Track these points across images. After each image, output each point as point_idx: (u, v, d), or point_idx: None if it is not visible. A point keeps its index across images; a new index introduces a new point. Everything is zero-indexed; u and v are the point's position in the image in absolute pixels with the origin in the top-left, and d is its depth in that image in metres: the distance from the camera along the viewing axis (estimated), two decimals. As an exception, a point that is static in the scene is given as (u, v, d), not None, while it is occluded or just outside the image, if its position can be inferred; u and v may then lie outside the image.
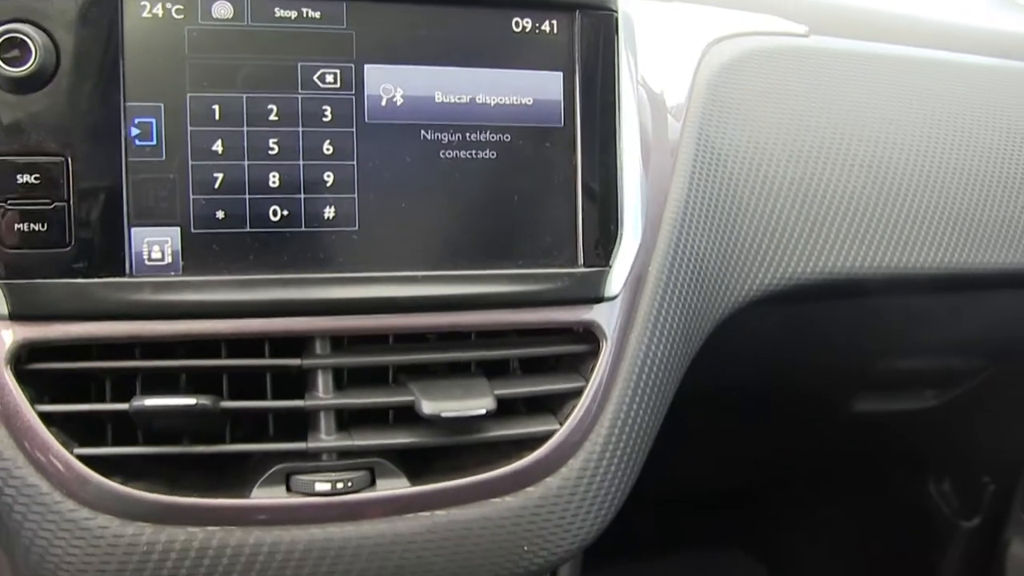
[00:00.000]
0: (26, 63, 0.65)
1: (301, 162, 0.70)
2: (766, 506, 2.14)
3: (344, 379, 0.73)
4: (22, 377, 0.67)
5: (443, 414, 0.69)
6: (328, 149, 0.71)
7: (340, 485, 0.70)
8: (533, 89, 0.74)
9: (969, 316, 1.20)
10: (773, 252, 0.89)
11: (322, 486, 0.70)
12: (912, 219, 0.96)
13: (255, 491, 0.69)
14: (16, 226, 0.66)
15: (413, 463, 0.73)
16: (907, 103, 1.00)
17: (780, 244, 0.90)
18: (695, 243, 0.82)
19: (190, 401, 0.66)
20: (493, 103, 0.74)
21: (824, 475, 1.96)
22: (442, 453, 0.75)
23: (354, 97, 0.71)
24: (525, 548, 0.73)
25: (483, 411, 0.70)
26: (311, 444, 0.70)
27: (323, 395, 0.70)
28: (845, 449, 1.66)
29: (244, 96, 0.69)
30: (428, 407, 0.69)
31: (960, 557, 1.83)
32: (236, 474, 0.71)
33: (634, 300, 0.77)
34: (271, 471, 0.70)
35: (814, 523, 2.08)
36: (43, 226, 0.66)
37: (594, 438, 0.75)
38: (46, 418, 0.67)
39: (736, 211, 0.87)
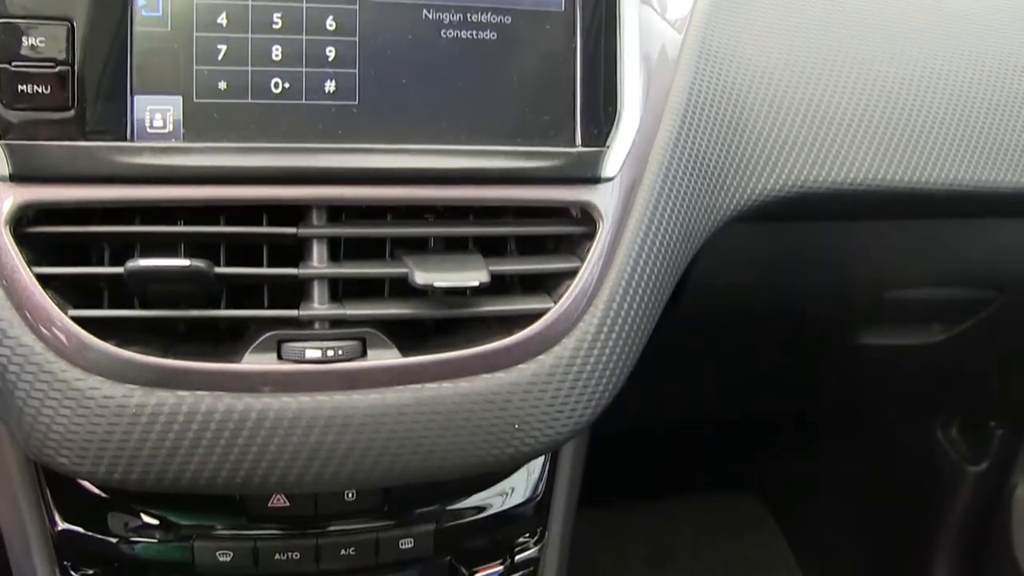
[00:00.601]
0: None
1: (304, 37, 0.71)
2: (771, 450, 2.14)
3: (340, 253, 0.74)
4: (21, 240, 0.68)
5: (436, 284, 0.69)
6: (331, 24, 0.71)
7: (331, 353, 0.71)
8: (534, -29, 0.74)
9: (978, 243, 1.19)
10: (776, 158, 0.89)
11: (312, 353, 0.70)
12: (922, 134, 0.95)
13: (246, 357, 0.70)
14: (20, 88, 0.67)
15: (405, 340, 0.73)
16: (920, 15, 0.99)
17: (784, 150, 0.90)
18: (696, 138, 0.82)
19: (184, 262, 0.66)
20: (494, -16, 0.74)
21: (830, 419, 1.96)
22: (434, 331, 0.76)
23: None
24: (516, 426, 0.74)
25: (476, 283, 0.70)
26: (303, 312, 0.70)
27: (317, 264, 0.71)
28: (852, 389, 1.65)
29: None
30: (421, 277, 0.69)
31: (967, 502, 1.83)
32: (230, 346, 0.72)
33: (633, 186, 0.77)
34: (263, 338, 0.70)
35: (820, 468, 2.08)
36: (47, 89, 0.67)
37: (588, 319, 0.75)
38: (43, 280, 0.68)
39: (739, 113, 0.87)
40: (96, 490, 0.85)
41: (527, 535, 0.95)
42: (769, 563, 2.10)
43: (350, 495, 0.84)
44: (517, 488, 0.93)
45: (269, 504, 0.84)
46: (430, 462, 0.73)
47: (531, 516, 0.94)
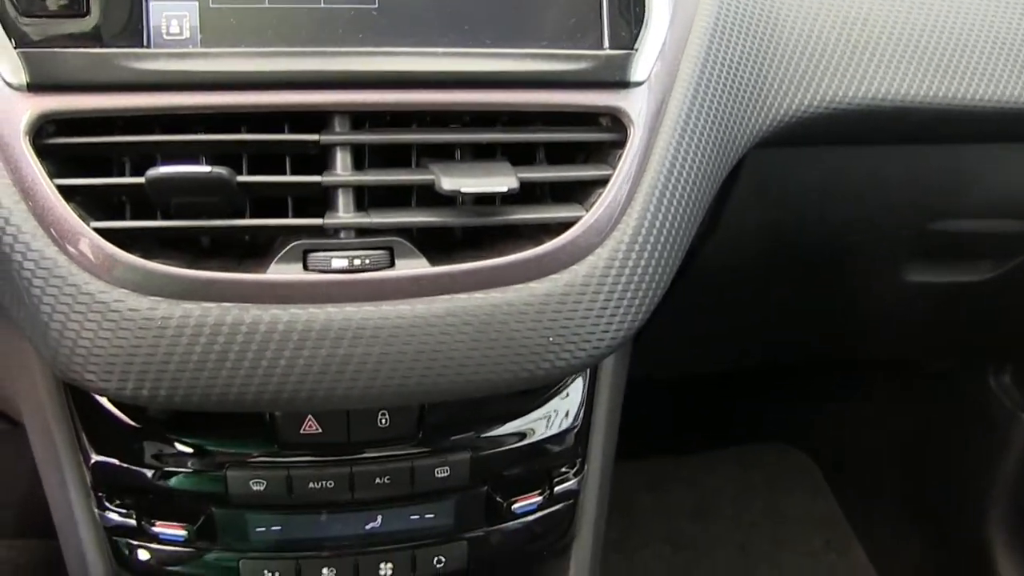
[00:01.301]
0: None
1: None
2: (816, 401, 2.10)
3: (365, 163, 0.71)
4: (41, 152, 0.66)
5: (464, 189, 0.67)
6: None
7: (358, 262, 0.69)
8: None
9: (1028, 171, 1.15)
10: (812, 72, 0.86)
11: (339, 262, 0.68)
12: (964, 49, 0.91)
13: (271, 267, 0.68)
14: None
15: (433, 254, 0.71)
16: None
17: (820, 65, 0.86)
18: (728, 48, 0.79)
19: (205, 169, 0.65)
20: None
21: (878, 367, 1.92)
22: (462, 246, 0.74)
23: None
24: (551, 339, 0.71)
25: (505, 188, 0.67)
26: (328, 220, 0.68)
27: (341, 172, 0.69)
28: (899, 333, 1.61)
29: None
30: (448, 183, 0.67)
31: (1022, 451, 1.78)
32: (255, 261, 0.70)
33: (664, 93, 0.74)
34: (288, 248, 0.68)
35: (867, 418, 2.04)
36: None
37: (622, 229, 0.72)
38: (65, 193, 0.66)
39: (773, 24, 0.84)
40: (128, 419, 0.84)
41: (566, 466, 0.93)
42: (815, 518, 2.06)
43: (383, 420, 0.82)
44: (555, 417, 0.91)
45: (301, 431, 0.82)
46: (462, 377, 0.71)
47: (570, 446, 0.92)
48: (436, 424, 0.85)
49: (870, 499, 2.04)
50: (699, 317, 1.41)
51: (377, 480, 0.85)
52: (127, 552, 0.88)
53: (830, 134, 0.92)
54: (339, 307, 0.68)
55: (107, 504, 0.86)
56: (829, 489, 2.09)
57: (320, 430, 0.82)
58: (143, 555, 0.88)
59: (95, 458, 0.86)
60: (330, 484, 0.84)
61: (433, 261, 0.71)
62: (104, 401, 0.84)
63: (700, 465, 2.10)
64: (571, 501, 0.94)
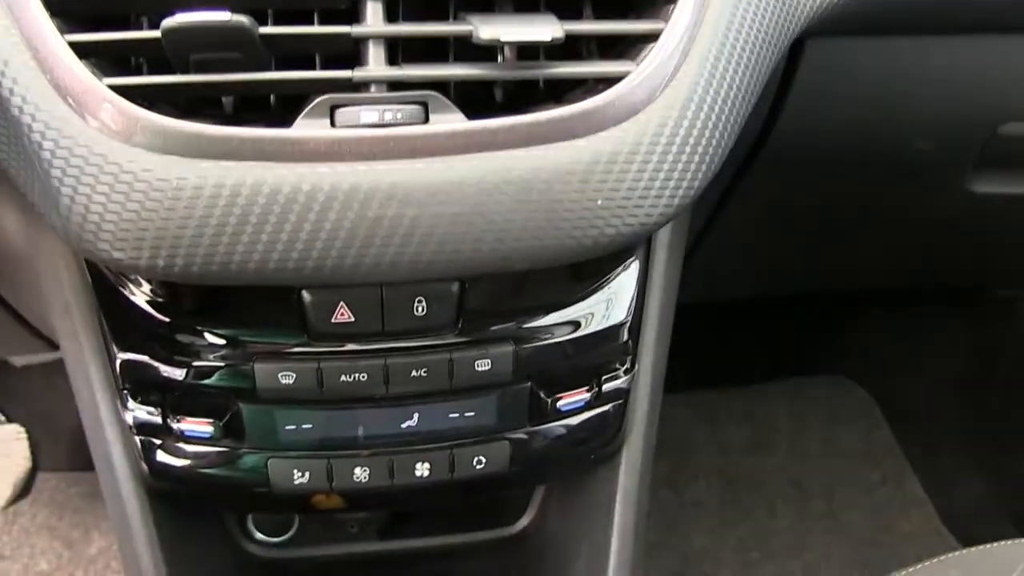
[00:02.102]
0: None
1: None
2: (873, 331, 2.02)
3: (399, 16, 0.66)
4: (52, 7, 0.62)
5: (503, 38, 0.61)
6: None
7: (388, 116, 0.63)
8: None
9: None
10: None
11: (369, 116, 0.63)
12: None
13: (296, 123, 0.63)
14: None
15: (471, 113, 0.65)
16: None
17: None
18: None
19: (224, 16, 0.59)
20: None
21: (938, 293, 1.83)
22: (502, 110, 0.67)
23: None
24: (599, 203, 0.65)
25: (548, 38, 0.61)
26: (358, 73, 0.62)
27: (372, 23, 0.63)
28: (963, 252, 1.52)
29: None
30: (487, 31, 0.61)
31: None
32: (280, 123, 0.64)
33: None
34: (314, 103, 0.63)
35: (926, 349, 1.96)
36: None
37: (676, 86, 0.66)
38: (77, 50, 0.62)
39: None
40: (152, 311, 0.79)
41: (616, 363, 0.87)
42: (871, 452, 2.00)
43: (419, 308, 0.77)
44: (605, 308, 0.85)
45: (333, 319, 0.76)
46: (503, 245, 0.65)
47: (620, 342, 0.86)
48: (476, 312, 0.79)
49: (928, 432, 1.97)
50: (756, 235, 1.34)
51: (413, 373, 0.79)
52: (153, 453, 0.84)
53: (892, 21, 0.85)
54: (369, 165, 0.62)
55: (132, 401, 0.81)
56: (886, 422, 2.02)
57: (352, 318, 0.76)
58: (169, 454, 0.83)
59: (120, 356, 0.81)
60: (363, 377, 0.79)
61: (471, 119, 0.64)
62: (129, 294, 0.79)
63: (754, 398, 2.04)
64: (620, 401, 0.88)
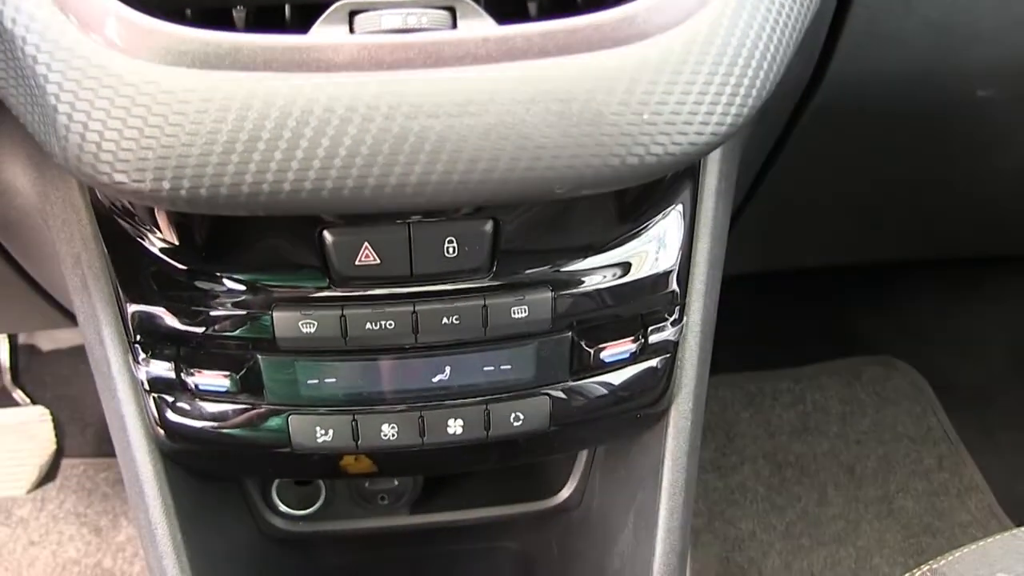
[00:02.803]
0: None
1: None
2: (924, 306, 1.94)
3: None
4: None
5: None
6: None
7: (412, 21, 0.57)
8: None
9: None
10: None
11: (391, 21, 0.57)
12: None
13: (312, 31, 0.56)
14: None
15: (502, 20, 0.59)
16: None
17: None
18: None
19: None
20: None
21: (996, 263, 1.75)
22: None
23: None
24: (645, 116, 0.59)
25: None
26: None
27: None
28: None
29: None
30: None
31: None
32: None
33: None
34: (331, 9, 0.57)
35: (981, 326, 1.87)
36: None
37: None
38: None
39: None
40: (164, 256, 0.74)
41: (663, 312, 0.80)
42: (927, 436, 1.92)
43: (451, 249, 0.71)
44: (649, 252, 0.78)
45: (357, 262, 0.70)
46: (539, 163, 0.58)
47: (667, 290, 0.80)
48: (512, 254, 0.73)
49: (985, 414, 1.89)
50: (805, 197, 1.27)
51: (444, 321, 0.73)
52: (167, 411, 0.78)
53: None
54: (392, 74, 0.56)
55: (144, 356, 0.76)
56: (940, 404, 1.94)
57: (378, 260, 0.71)
58: (184, 413, 0.78)
59: (131, 307, 0.76)
60: (390, 325, 0.73)
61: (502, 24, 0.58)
62: (139, 239, 0.74)
63: (802, 379, 1.97)
64: (668, 355, 0.82)
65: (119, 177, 0.57)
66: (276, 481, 1.05)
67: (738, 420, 1.92)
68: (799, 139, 1.04)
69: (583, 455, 1.06)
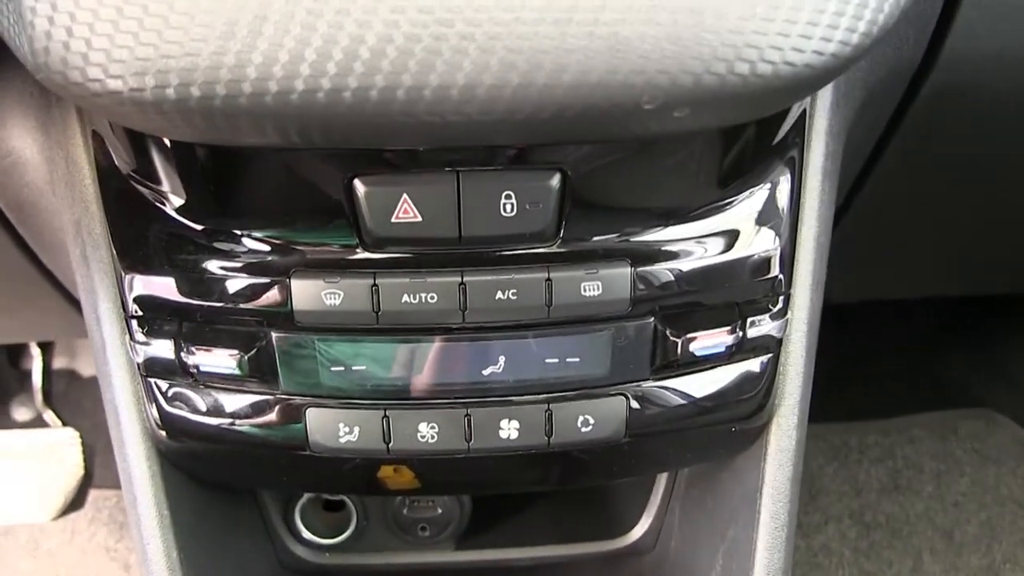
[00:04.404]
0: None
1: None
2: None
3: None
4: None
5: None
6: None
7: None
8: None
9: None
10: None
11: None
12: None
13: None
14: None
15: None
16: None
17: None
18: None
19: None
20: None
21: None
22: None
23: None
24: (758, 13, 0.45)
25: None
26: None
27: None
28: None
29: None
30: None
31: None
32: None
33: None
34: None
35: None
36: None
37: None
38: None
39: None
40: (164, 207, 0.63)
41: (764, 301, 0.66)
42: (1031, 501, 1.73)
43: (508, 206, 0.58)
44: (748, 225, 0.65)
45: (394, 218, 0.58)
46: (622, 65, 0.45)
47: (769, 273, 0.66)
48: (584, 216, 0.61)
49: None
50: (907, 211, 1.11)
51: (499, 296, 0.60)
52: (165, 400, 0.65)
53: None
54: None
55: (141, 333, 0.64)
56: (1048, 466, 1.77)
57: (419, 217, 0.59)
58: (183, 403, 0.65)
59: (129, 276, 0.65)
60: (432, 299, 0.60)
61: None
62: (138, 188, 0.63)
63: (892, 432, 1.82)
64: (770, 356, 0.67)
65: (92, 73, 0.45)
66: (300, 503, 0.91)
67: (821, 474, 1.77)
68: (906, 133, 0.90)
69: (660, 485, 0.90)
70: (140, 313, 0.65)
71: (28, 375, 1.76)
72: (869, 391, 1.86)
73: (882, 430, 1.82)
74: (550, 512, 0.95)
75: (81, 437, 1.72)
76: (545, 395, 0.65)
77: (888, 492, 1.77)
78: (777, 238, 0.67)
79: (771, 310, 0.67)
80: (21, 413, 1.76)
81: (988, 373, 1.86)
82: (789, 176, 0.67)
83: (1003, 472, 1.79)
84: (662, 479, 0.90)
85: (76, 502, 1.68)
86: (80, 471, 1.68)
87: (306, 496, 0.91)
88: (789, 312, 0.69)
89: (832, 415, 1.80)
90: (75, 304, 0.98)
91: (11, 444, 1.70)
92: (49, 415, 1.75)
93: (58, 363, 1.81)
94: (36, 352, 1.76)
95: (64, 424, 1.74)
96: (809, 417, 0.81)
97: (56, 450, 1.69)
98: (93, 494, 1.69)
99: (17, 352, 1.78)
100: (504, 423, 0.65)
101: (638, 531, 0.92)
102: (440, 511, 0.92)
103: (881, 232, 1.15)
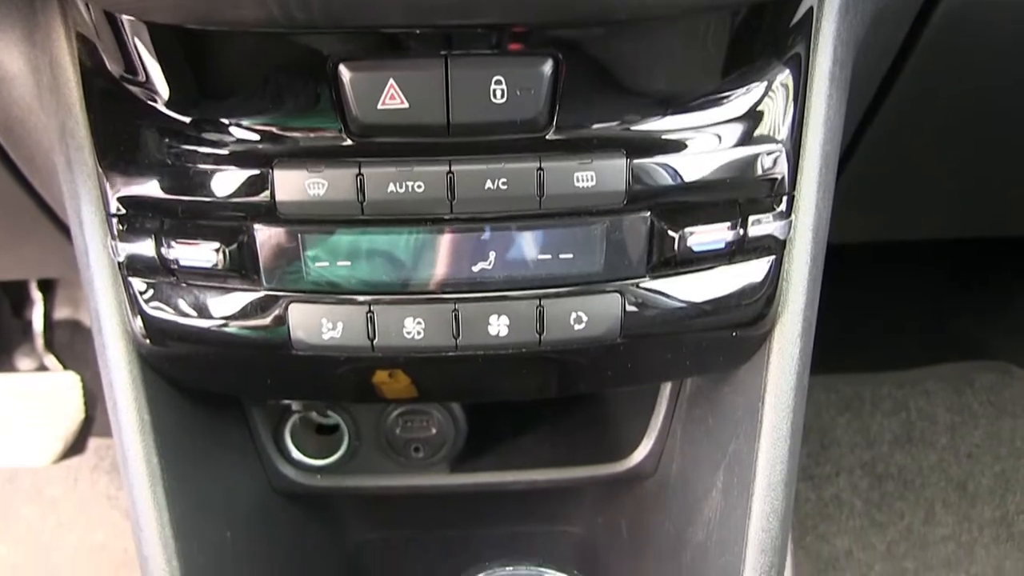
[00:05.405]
0: None
1: None
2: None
3: None
4: None
5: None
6: None
7: None
8: None
9: None
10: None
11: None
12: None
13: None
14: None
15: None
16: None
17: None
18: None
19: None
20: None
21: None
22: None
23: None
24: None
25: None
26: None
27: None
28: None
29: None
30: None
31: None
32: None
33: None
34: None
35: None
36: None
37: None
38: None
39: None
40: (142, 95, 0.60)
41: (767, 197, 0.63)
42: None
43: (498, 92, 0.55)
44: (750, 118, 0.62)
45: (380, 104, 0.57)
46: None
47: (772, 169, 0.63)
48: (577, 103, 0.58)
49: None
50: (919, 145, 1.08)
51: (488, 186, 0.58)
52: (146, 300, 0.63)
53: None
54: None
55: (121, 229, 0.61)
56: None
57: (406, 103, 0.56)
58: (165, 303, 0.63)
59: (111, 174, 0.63)
60: (419, 188, 0.58)
61: None
62: (119, 73, 0.61)
63: (905, 384, 1.78)
64: (773, 258, 0.64)
65: None
66: (290, 422, 0.89)
67: (833, 426, 1.75)
68: (918, 61, 0.86)
69: (661, 407, 0.87)
70: (122, 211, 0.63)
71: (31, 325, 1.76)
72: (884, 344, 1.83)
73: (896, 382, 1.79)
74: (549, 436, 0.93)
75: (83, 382, 1.70)
76: (537, 291, 0.62)
77: (901, 444, 1.74)
78: (781, 137, 0.64)
79: (774, 209, 0.64)
80: (25, 363, 1.75)
81: (1005, 326, 1.83)
82: (794, 76, 0.64)
83: (1018, 424, 1.77)
84: (663, 400, 0.87)
85: (77, 447, 1.67)
86: (81, 415, 1.68)
87: (297, 416, 0.89)
88: (793, 215, 0.66)
89: (844, 366, 1.77)
90: (58, 224, 0.96)
91: (12, 387, 1.70)
92: (50, 360, 1.73)
93: (62, 313, 1.79)
94: (38, 297, 1.74)
95: (65, 369, 1.73)
96: (822, 368, 0.79)
97: (57, 393, 1.68)
98: (96, 442, 1.68)
99: (20, 302, 1.77)
100: (494, 319, 0.62)
101: (639, 454, 0.89)
102: (434, 431, 0.90)
103: (892, 170, 1.12)
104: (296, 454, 0.89)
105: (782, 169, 0.64)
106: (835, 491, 1.68)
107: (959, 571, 1.59)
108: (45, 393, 1.69)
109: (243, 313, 0.63)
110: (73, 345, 1.78)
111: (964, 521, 1.65)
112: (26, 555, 1.57)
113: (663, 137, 0.61)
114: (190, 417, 0.74)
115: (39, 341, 1.74)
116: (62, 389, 1.68)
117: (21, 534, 1.59)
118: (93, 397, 1.71)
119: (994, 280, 1.78)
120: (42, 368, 1.74)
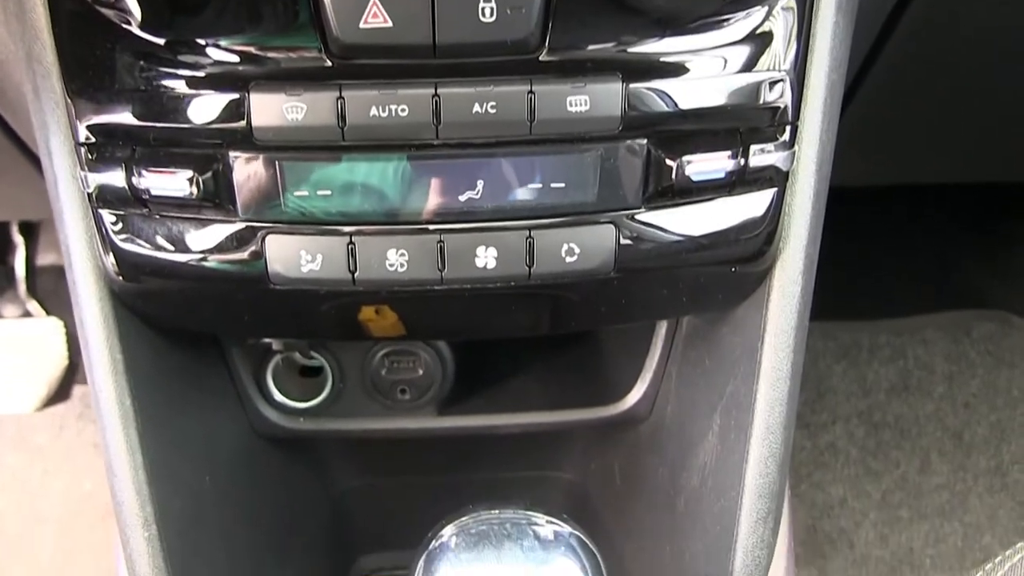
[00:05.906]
0: None
1: None
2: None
3: None
4: None
5: None
6: None
7: None
8: None
9: None
10: None
11: None
12: None
13: None
14: None
15: None
16: None
17: None
18: None
19: None
20: None
21: None
22: None
23: None
24: None
25: None
26: None
27: None
28: None
29: None
30: None
31: None
32: None
33: None
34: None
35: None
36: None
37: None
38: None
39: None
40: (120, 22, 0.56)
41: (768, 126, 0.60)
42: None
43: (487, 11, 0.52)
44: (751, 42, 0.59)
45: (361, 23, 0.53)
46: None
47: (774, 98, 0.60)
48: (571, 23, 0.55)
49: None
50: (922, 88, 1.04)
51: (476, 109, 0.55)
52: (115, 231, 0.60)
53: None
54: None
55: (90, 158, 0.58)
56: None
57: (390, 22, 0.53)
58: (136, 235, 0.59)
59: (78, 101, 0.59)
60: (403, 112, 0.55)
61: None
62: (88, 10, 0.57)
63: (903, 333, 1.77)
64: (775, 190, 0.61)
65: None
66: (272, 363, 0.86)
67: (830, 374, 1.73)
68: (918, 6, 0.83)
69: (656, 348, 0.84)
70: (91, 139, 0.59)
71: (13, 271, 1.73)
72: (883, 291, 1.81)
73: (894, 330, 1.78)
74: (540, 378, 0.90)
75: (66, 328, 1.68)
76: (527, 221, 0.59)
77: (898, 392, 1.73)
78: (785, 63, 0.60)
79: (777, 139, 0.61)
80: (8, 309, 1.72)
81: (1005, 275, 1.81)
82: (799, 0, 0.61)
83: (1016, 374, 1.76)
84: (659, 340, 0.84)
85: (62, 394, 1.65)
86: (65, 361, 1.66)
87: (279, 357, 0.86)
88: (796, 146, 0.63)
89: (841, 313, 1.75)
90: (34, 161, 0.93)
91: (-6, 332, 1.68)
92: (34, 306, 1.71)
93: (46, 259, 1.76)
94: (20, 241, 1.71)
95: (49, 315, 1.71)
96: (819, 315, 0.76)
97: (40, 340, 1.66)
98: (81, 389, 1.66)
99: (1, 247, 1.73)
100: (481, 251, 0.59)
101: (633, 397, 0.87)
102: (421, 372, 0.87)
103: (895, 111, 1.09)
104: (278, 396, 0.86)
105: (785, 97, 0.61)
106: (831, 439, 1.67)
107: (953, 520, 1.58)
108: (28, 339, 1.66)
109: (218, 246, 0.60)
110: (58, 291, 1.76)
111: (959, 470, 1.64)
112: (12, 502, 1.56)
113: (661, 60, 0.57)
114: (166, 358, 0.71)
115: (22, 287, 1.71)
116: (46, 335, 1.66)
117: (6, 481, 1.58)
118: (78, 343, 1.68)
119: (995, 231, 1.76)
120: (26, 315, 1.71)
